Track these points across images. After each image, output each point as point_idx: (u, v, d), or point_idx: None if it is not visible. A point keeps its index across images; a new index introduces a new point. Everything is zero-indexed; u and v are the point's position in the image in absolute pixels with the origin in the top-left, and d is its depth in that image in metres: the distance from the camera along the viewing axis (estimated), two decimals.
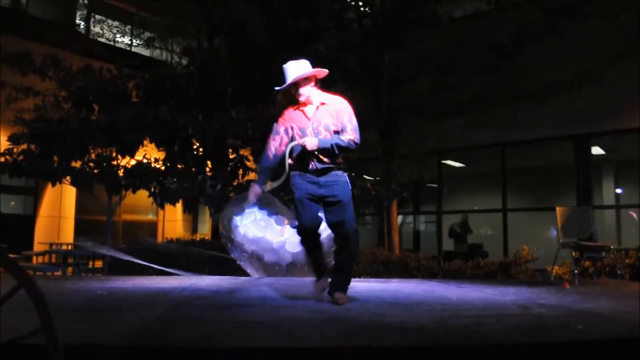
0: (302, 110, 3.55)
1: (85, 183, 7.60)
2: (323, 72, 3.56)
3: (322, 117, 3.50)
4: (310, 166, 3.50)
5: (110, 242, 7.95)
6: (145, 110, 7.46)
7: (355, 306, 3.38)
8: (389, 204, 8.90)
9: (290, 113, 3.59)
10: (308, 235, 3.59)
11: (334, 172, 3.52)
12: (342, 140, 3.45)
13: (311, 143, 3.40)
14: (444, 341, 2.30)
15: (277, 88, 3.56)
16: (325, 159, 3.49)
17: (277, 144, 3.56)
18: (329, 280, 3.61)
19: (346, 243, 3.52)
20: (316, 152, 3.45)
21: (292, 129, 3.54)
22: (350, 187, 3.59)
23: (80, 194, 11.84)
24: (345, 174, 3.59)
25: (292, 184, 3.59)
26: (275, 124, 3.62)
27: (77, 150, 7.37)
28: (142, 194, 7.69)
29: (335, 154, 3.47)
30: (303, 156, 3.50)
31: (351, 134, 3.48)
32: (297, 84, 3.49)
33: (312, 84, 3.54)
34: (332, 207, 3.52)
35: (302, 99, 3.52)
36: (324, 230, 5.66)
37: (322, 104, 3.54)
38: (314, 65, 3.56)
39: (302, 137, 3.48)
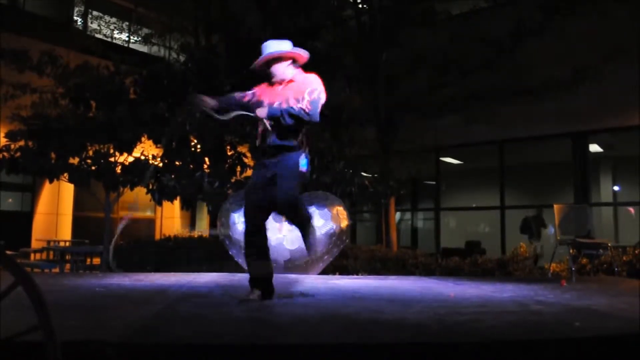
0: (275, 88, 3.51)
1: (82, 180, 7.58)
2: (298, 54, 3.49)
3: (288, 93, 3.40)
4: (268, 141, 3.40)
5: (108, 239, 7.93)
6: (142, 107, 7.44)
7: (353, 303, 3.39)
8: (387, 201, 8.90)
9: (265, 87, 3.57)
10: (250, 232, 3.51)
11: (286, 153, 3.36)
12: (293, 108, 3.29)
13: (261, 111, 3.36)
14: (442, 338, 2.30)
15: (251, 67, 3.54)
16: (283, 136, 3.36)
17: (241, 95, 3.59)
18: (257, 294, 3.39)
19: (290, 217, 3.50)
20: (268, 122, 3.35)
21: (261, 101, 3.50)
22: (300, 166, 3.35)
23: (78, 191, 11.79)
24: (302, 155, 3.38)
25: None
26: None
27: (74, 147, 7.35)
28: (140, 190, 7.68)
29: (288, 124, 3.31)
30: (264, 135, 3.44)
31: (305, 103, 3.30)
32: (270, 63, 3.46)
33: (288, 63, 3.47)
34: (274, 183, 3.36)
35: (274, 79, 3.49)
36: (323, 227, 5.73)
37: (291, 81, 3.46)
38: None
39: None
